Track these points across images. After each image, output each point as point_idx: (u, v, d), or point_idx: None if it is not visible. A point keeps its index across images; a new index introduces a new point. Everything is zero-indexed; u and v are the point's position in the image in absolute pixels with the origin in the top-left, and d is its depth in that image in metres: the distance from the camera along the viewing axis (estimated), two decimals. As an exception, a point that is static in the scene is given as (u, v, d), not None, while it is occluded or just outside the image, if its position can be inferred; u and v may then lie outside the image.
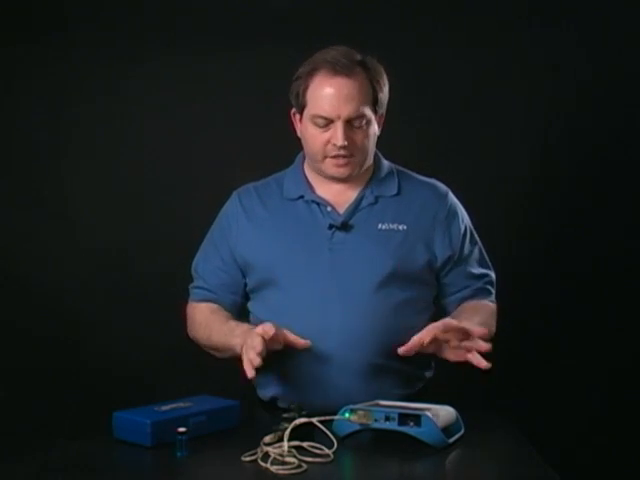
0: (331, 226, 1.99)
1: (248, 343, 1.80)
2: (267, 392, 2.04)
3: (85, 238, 2.89)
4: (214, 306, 2.08)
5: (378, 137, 2.04)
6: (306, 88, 1.98)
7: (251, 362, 1.76)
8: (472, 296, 2.09)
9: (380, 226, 2.01)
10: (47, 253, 2.87)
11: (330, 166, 1.99)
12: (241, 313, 2.09)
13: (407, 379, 2.00)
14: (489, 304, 2.12)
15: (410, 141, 2.77)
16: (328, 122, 1.95)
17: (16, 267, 2.87)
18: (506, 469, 1.62)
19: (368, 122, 1.98)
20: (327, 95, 1.94)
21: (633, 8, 2.85)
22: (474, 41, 2.87)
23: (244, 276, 2.08)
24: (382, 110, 2.03)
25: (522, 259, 2.85)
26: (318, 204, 2.03)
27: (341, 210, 2.02)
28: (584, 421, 2.88)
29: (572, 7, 2.84)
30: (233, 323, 2.00)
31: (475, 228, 2.14)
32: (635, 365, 2.88)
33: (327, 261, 1.97)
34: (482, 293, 2.11)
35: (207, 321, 2.05)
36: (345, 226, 2.00)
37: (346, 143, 1.94)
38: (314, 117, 1.96)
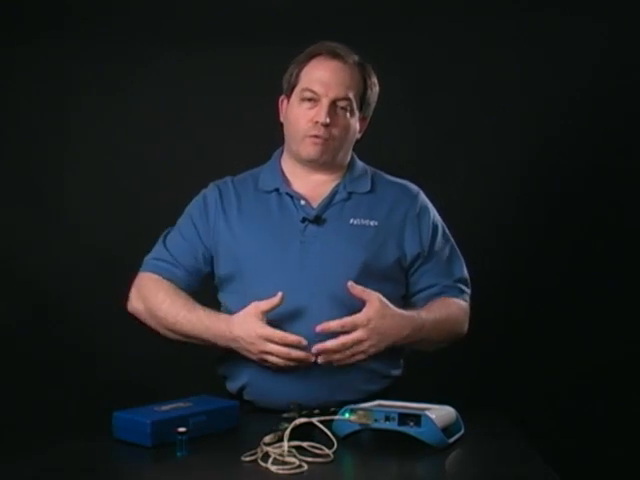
0: (304, 219, 2.01)
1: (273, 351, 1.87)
2: (235, 384, 2.04)
3: (85, 238, 2.89)
4: (175, 286, 2.06)
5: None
6: (301, 69, 2.04)
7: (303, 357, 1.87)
8: (440, 293, 2.08)
9: (352, 221, 2.03)
10: (47, 253, 2.87)
11: (307, 144, 2.02)
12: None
13: (373, 375, 2.00)
14: (455, 302, 2.08)
15: (411, 140, 2.77)
16: (315, 99, 1.99)
17: (16, 267, 2.87)
18: (506, 469, 1.61)
19: (352, 111, 2.02)
20: (321, 73, 2.01)
21: (633, 8, 2.85)
22: (474, 41, 2.87)
23: (211, 267, 2.08)
24: (367, 113, 2.07)
25: (522, 259, 2.85)
26: (292, 197, 2.05)
27: (314, 204, 2.05)
28: (584, 421, 2.88)
29: (572, 7, 2.84)
30: (202, 313, 1.98)
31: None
32: (636, 365, 2.88)
33: (298, 254, 1.99)
34: (451, 291, 2.09)
35: (172, 300, 2.02)
36: (318, 220, 2.02)
37: (328, 121, 1.98)
38: (303, 90, 2.01)
